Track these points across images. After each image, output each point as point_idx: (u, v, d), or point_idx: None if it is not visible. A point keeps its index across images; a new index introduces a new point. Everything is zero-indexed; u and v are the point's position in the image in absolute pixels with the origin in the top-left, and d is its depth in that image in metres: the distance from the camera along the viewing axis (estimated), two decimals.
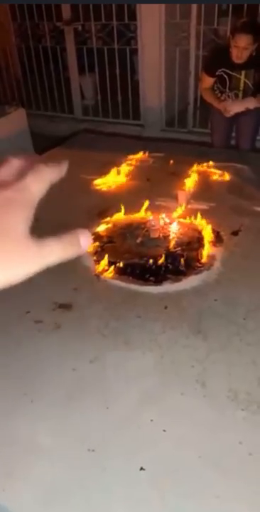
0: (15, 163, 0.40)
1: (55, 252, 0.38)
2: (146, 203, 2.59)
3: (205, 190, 2.96)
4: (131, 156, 3.52)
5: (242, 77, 3.07)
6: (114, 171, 3.24)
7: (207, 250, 2.26)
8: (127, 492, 1.22)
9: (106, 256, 2.22)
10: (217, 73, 3.14)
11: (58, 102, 5.64)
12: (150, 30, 4.67)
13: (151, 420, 1.41)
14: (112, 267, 2.16)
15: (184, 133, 4.98)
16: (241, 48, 2.92)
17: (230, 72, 3.07)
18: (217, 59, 3.12)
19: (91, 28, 5.00)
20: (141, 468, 1.27)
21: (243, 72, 3.03)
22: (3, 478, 1.27)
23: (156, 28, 4.63)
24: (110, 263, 2.20)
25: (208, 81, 3.21)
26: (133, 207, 2.68)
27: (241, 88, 3.12)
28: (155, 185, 3.07)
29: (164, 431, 1.38)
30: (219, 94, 3.24)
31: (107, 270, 2.15)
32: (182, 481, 1.25)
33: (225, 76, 3.11)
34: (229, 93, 3.17)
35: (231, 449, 1.32)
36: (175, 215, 2.60)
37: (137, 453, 1.32)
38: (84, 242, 0.40)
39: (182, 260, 2.18)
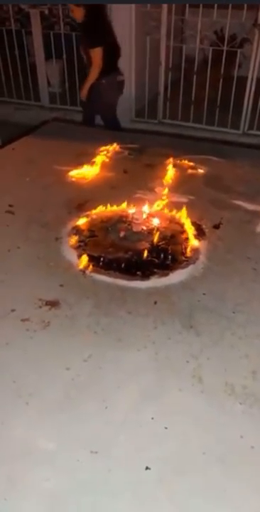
0: None
1: None
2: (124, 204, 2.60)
3: (183, 183, 2.97)
4: (104, 147, 3.47)
5: None
6: (89, 162, 3.18)
7: (191, 244, 2.27)
8: (135, 492, 1.21)
9: (85, 253, 2.18)
10: None
11: (24, 88, 5.43)
12: (120, 18, 4.57)
13: (152, 418, 1.40)
14: (94, 262, 2.13)
15: (154, 124, 4.96)
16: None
17: None
18: None
19: (59, 11, 4.82)
20: (147, 468, 1.26)
21: None
22: (4, 486, 1.22)
23: (127, 16, 4.55)
24: (94, 258, 2.16)
25: None
26: (112, 199, 2.64)
27: None
28: (132, 178, 3.04)
29: (166, 428, 1.38)
30: None
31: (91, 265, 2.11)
32: (188, 478, 1.25)
33: None
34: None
35: (233, 444, 1.34)
36: (156, 208, 2.60)
37: (141, 452, 1.31)
38: None
39: (168, 254, 2.18)
